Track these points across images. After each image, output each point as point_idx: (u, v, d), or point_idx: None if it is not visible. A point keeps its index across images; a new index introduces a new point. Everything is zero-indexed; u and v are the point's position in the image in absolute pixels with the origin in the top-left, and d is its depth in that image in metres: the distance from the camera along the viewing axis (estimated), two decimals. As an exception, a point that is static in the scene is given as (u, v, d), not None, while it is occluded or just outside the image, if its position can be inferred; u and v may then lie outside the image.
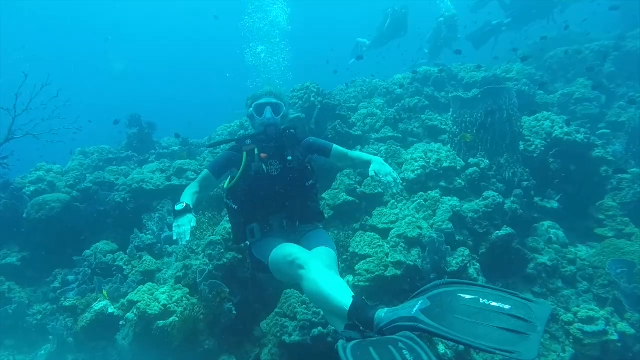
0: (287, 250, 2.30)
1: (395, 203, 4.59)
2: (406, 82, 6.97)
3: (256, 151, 2.69)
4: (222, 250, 4.13)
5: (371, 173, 2.60)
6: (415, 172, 4.73)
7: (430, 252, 3.94)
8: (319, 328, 3.46)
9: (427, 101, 6.55)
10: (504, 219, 4.45)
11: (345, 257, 4.19)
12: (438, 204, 4.51)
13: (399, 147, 5.20)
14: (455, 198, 4.59)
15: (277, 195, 2.68)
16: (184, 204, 2.39)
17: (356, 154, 2.93)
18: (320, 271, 2.08)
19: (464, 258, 4.14)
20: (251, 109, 2.86)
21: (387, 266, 3.87)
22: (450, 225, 4.28)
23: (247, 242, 2.75)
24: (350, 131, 5.66)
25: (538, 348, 1.28)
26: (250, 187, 2.64)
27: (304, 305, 3.62)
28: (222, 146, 3.12)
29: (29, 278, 4.85)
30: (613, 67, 8.33)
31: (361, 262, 3.96)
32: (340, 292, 1.92)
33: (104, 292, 4.05)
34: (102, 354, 3.88)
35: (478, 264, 4.25)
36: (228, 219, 3.81)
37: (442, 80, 6.92)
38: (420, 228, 4.21)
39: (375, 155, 4.15)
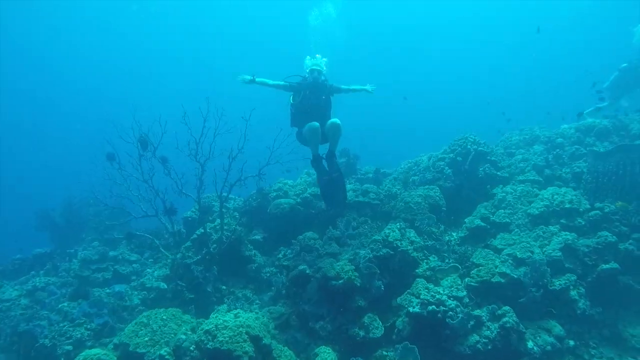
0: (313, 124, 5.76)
1: (518, 231, 5.77)
2: (568, 132, 7.71)
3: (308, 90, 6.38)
4: (381, 246, 6.07)
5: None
6: (539, 209, 5.80)
7: (531, 269, 5.06)
8: (433, 306, 5.02)
9: (584, 150, 7.21)
10: (616, 256, 5.13)
11: (467, 264, 5.61)
12: (554, 236, 5.49)
13: (535, 189, 6.27)
14: (573, 234, 5.47)
15: (315, 109, 6.35)
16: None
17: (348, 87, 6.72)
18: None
19: (568, 281, 5.08)
20: (309, 69, 6.43)
21: (494, 275, 5.18)
22: (559, 254, 5.26)
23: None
24: (498, 173, 6.96)
25: None
26: (302, 104, 6.20)
27: (426, 290, 5.24)
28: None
29: (265, 250, 7.70)
30: None
31: (475, 269, 5.36)
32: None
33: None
34: (299, 299, 6.24)
35: (583, 289, 5.10)
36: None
37: (608, 130, 7.38)
38: (531, 252, 5.33)
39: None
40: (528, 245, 5.42)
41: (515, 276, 5.11)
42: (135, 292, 7.28)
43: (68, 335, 6.25)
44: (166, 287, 7.03)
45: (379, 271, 5.73)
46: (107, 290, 7.31)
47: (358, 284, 5.60)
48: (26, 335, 6.38)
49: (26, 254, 9.71)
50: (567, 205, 5.67)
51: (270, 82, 6.50)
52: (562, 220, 5.65)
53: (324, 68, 6.58)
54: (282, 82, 6.51)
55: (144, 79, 46.30)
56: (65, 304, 6.91)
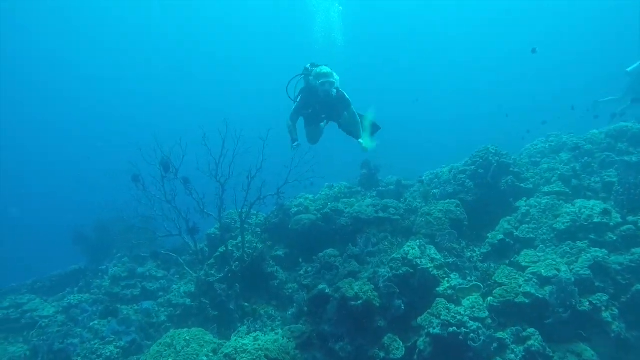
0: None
1: (543, 247, 5.54)
2: (598, 137, 7.35)
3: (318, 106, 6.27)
4: (400, 265, 5.98)
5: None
6: (565, 224, 5.55)
7: (557, 289, 4.85)
8: (454, 327, 4.89)
9: (616, 157, 6.86)
10: (652, 275, 4.84)
11: (489, 283, 5.44)
12: (583, 253, 5.24)
13: (560, 202, 6.00)
14: (603, 250, 5.20)
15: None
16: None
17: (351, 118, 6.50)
18: None
19: (600, 302, 4.83)
20: (319, 81, 5.90)
21: (518, 294, 4.99)
22: (588, 272, 5.01)
23: None
24: (522, 185, 6.71)
25: None
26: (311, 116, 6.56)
27: (446, 310, 5.11)
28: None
29: (287, 265, 7.73)
30: None
31: (498, 288, 5.18)
32: None
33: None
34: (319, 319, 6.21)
35: (617, 310, 4.83)
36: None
37: (642, 135, 7.01)
38: (558, 270, 5.10)
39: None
40: (554, 262, 5.20)
41: (541, 296, 4.91)
42: (162, 309, 7.46)
43: (99, 354, 6.48)
44: (192, 303, 7.16)
45: (398, 290, 5.64)
46: (135, 307, 7.52)
47: (377, 304, 5.52)
48: (61, 354, 6.63)
49: (62, 270, 10.17)
50: (597, 220, 5.40)
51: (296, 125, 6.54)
52: (591, 236, 5.38)
53: (337, 78, 6.14)
54: (296, 114, 6.46)
55: (166, 102, 49.00)
56: (96, 322, 7.15)
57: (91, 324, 7.15)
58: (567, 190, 6.49)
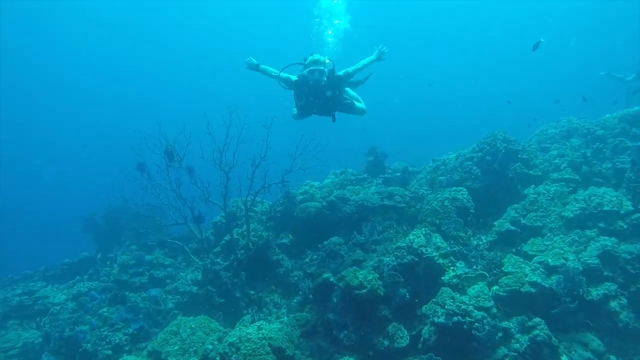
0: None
1: (551, 236, 5.44)
2: (611, 122, 7.14)
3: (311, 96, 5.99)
4: (405, 253, 5.92)
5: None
6: (574, 212, 5.43)
7: (564, 278, 4.76)
8: (458, 317, 4.84)
9: (630, 143, 6.66)
10: (662, 264, 4.72)
11: (495, 272, 5.37)
12: (591, 241, 5.13)
13: (570, 189, 5.87)
14: (613, 239, 5.09)
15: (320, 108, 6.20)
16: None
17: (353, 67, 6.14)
18: None
19: (608, 291, 4.74)
20: (307, 69, 5.80)
21: (524, 284, 4.92)
22: (597, 261, 4.91)
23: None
24: (530, 172, 6.57)
25: None
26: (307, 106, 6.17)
27: (451, 299, 5.05)
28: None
29: (292, 254, 7.72)
30: None
31: (504, 277, 5.11)
32: None
33: None
34: (324, 307, 6.21)
35: (625, 300, 4.74)
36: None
37: (657, 120, 6.80)
38: (565, 259, 5.01)
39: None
40: (562, 251, 5.10)
41: (547, 285, 4.83)
42: (170, 296, 7.54)
43: (108, 340, 6.58)
44: (198, 291, 7.22)
45: (403, 279, 5.60)
46: (143, 295, 7.59)
47: (381, 293, 5.49)
48: (71, 340, 6.75)
49: (73, 258, 10.34)
50: (607, 208, 5.26)
51: (273, 72, 6.19)
52: (600, 224, 5.26)
53: (326, 66, 5.89)
54: (283, 75, 6.11)
55: (170, 91, 49.81)
56: (105, 309, 7.25)
57: (100, 311, 7.25)
58: (577, 177, 6.33)
